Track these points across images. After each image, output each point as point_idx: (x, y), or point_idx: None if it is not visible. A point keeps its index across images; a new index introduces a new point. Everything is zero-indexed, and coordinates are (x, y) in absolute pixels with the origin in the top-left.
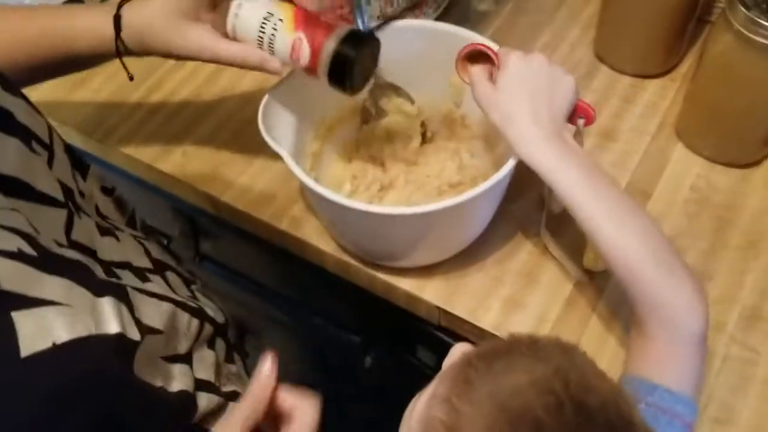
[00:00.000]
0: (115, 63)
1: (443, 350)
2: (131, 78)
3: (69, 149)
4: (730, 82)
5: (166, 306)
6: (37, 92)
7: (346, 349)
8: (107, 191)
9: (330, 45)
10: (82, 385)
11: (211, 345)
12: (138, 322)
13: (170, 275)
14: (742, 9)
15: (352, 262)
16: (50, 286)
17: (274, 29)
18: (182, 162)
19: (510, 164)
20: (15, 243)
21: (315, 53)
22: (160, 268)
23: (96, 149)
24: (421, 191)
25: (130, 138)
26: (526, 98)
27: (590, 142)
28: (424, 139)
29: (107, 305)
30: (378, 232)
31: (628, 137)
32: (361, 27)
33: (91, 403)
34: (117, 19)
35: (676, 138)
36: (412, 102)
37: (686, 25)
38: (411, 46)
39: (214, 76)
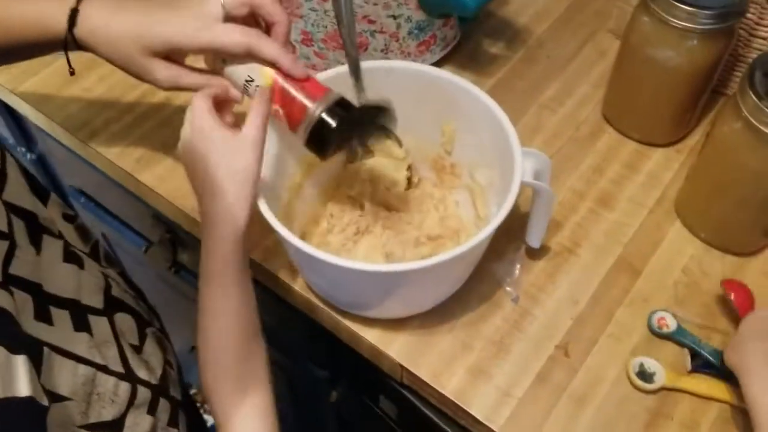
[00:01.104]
0: (106, 63)
1: (405, 405)
2: (72, 72)
3: (27, 173)
4: (734, 167)
5: (84, 370)
6: (26, 85)
7: (313, 381)
8: (69, 218)
9: (307, 121)
10: None
11: (151, 409)
12: (42, 388)
13: (120, 317)
14: (753, 96)
15: (319, 304)
16: None
17: (255, 91)
18: (163, 174)
19: (492, 226)
20: None
21: (292, 124)
22: (111, 308)
23: (79, 149)
24: (398, 239)
25: (114, 142)
26: (764, 349)
27: (585, 206)
28: (410, 184)
29: (21, 365)
30: (344, 283)
31: (625, 207)
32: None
33: None
34: (73, 13)
35: (674, 214)
36: (401, 145)
37: (699, 97)
38: (405, 88)
39: None
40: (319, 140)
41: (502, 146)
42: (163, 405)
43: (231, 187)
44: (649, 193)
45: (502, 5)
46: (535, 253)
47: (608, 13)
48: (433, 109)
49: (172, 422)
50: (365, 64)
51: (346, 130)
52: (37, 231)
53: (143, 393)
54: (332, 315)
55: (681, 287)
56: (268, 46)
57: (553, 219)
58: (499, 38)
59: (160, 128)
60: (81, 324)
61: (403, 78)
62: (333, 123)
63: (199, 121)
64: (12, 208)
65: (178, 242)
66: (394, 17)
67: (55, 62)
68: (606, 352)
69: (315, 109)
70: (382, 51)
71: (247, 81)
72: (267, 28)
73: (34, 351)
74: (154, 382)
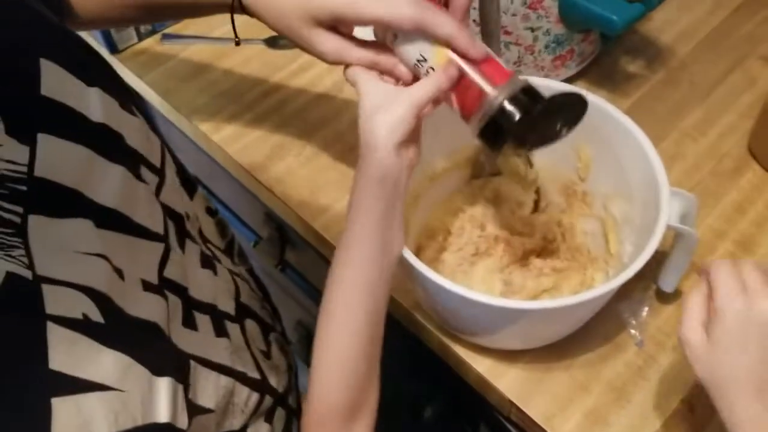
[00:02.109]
0: (233, 55)
1: None
2: (238, 43)
3: (180, 168)
4: None
5: (226, 381)
6: (153, 74)
7: (407, 391)
8: (211, 212)
9: (485, 109)
10: None
11: (269, 418)
12: (190, 404)
13: (249, 324)
14: None
15: (428, 325)
16: (106, 363)
17: (427, 74)
18: (282, 175)
19: (630, 272)
20: (81, 307)
21: (465, 112)
22: (241, 314)
23: (202, 141)
24: (519, 266)
25: (236, 137)
26: (748, 363)
27: (724, 248)
28: (536, 208)
29: (164, 389)
30: (458, 309)
31: (767, 253)
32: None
33: None
34: None
35: None
36: (531, 165)
37: None
38: None
39: (333, 89)
40: (497, 133)
41: (646, 181)
42: (279, 413)
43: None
44: None
45: (644, 22)
46: (665, 296)
47: (761, 38)
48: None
49: (286, 431)
50: None
51: (532, 123)
52: (183, 235)
53: (268, 401)
54: (441, 338)
55: None
56: (444, 23)
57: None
58: (639, 56)
59: (281, 128)
60: (220, 330)
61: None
62: (516, 114)
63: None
64: (167, 210)
65: (286, 241)
66: (532, 29)
67: (184, 51)
68: None
69: (496, 96)
70: (515, 63)
71: (418, 61)
72: (446, 2)
73: (182, 367)
74: (280, 390)
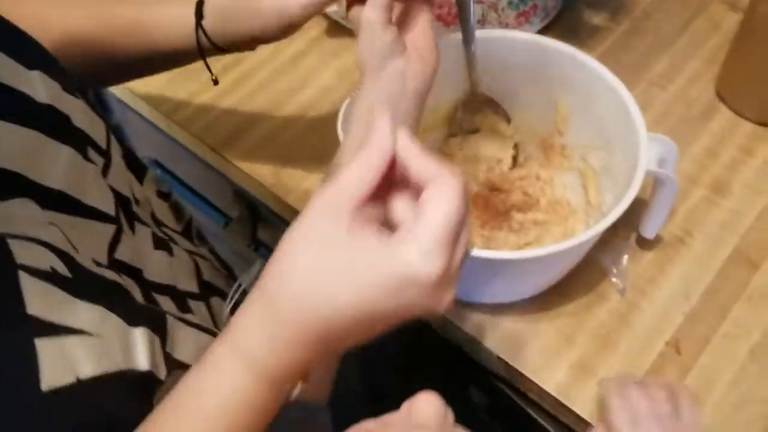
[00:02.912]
0: None
1: (499, 396)
2: (216, 82)
3: (127, 152)
4: None
5: (206, 339)
6: None
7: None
8: (164, 196)
9: None
10: (104, 428)
11: None
12: (168, 357)
13: (215, 301)
14: None
15: None
16: (81, 312)
17: None
18: (249, 152)
19: (610, 219)
20: (48, 261)
21: None
22: (206, 292)
23: (162, 123)
24: (499, 221)
25: (198, 117)
26: None
27: (698, 194)
28: (515, 164)
29: (140, 337)
30: None
31: (742, 194)
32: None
33: None
34: (199, 6)
35: None
36: (509, 121)
37: None
38: (513, 60)
39: (296, 59)
40: None
41: (623, 129)
42: None
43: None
44: None
45: None
46: (645, 243)
47: None
48: (547, 84)
49: None
50: (478, 33)
51: None
52: (131, 218)
53: None
54: None
55: None
56: None
57: None
58: (602, 9)
59: (244, 103)
60: (184, 308)
61: (515, 47)
62: None
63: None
64: (114, 193)
65: (258, 219)
66: None
67: None
68: (721, 352)
69: None
70: (478, 22)
71: None
72: None
73: (156, 319)
74: None
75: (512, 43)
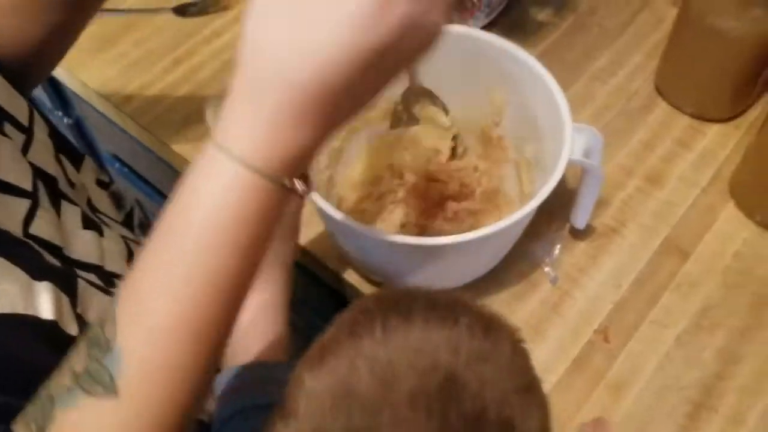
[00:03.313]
0: (142, 25)
1: None
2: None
3: (57, 135)
4: None
5: None
6: None
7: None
8: (103, 184)
9: None
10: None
11: None
12: (80, 318)
13: None
14: None
15: (346, 278)
16: None
17: None
18: (197, 142)
19: (532, 205)
20: None
21: None
22: None
23: (113, 115)
24: (432, 211)
25: (148, 108)
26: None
27: (633, 184)
28: (453, 155)
29: (44, 290)
30: (376, 253)
31: (676, 186)
32: None
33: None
34: None
35: (728, 195)
36: (447, 113)
37: (762, 70)
38: (452, 54)
39: None
40: None
41: (553, 120)
42: None
43: None
44: (702, 171)
45: None
46: (578, 233)
47: None
48: (483, 77)
49: None
50: None
51: None
52: (56, 196)
53: None
54: (360, 290)
55: (732, 273)
56: None
57: (599, 197)
58: (548, 5)
59: (195, 95)
60: (110, 284)
61: (453, 41)
62: None
63: None
64: (36, 170)
65: None
66: None
67: (91, 25)
68: (648, 339)
69: None
70: None
71: None
72: None
73: (66, 280)
74: None
75: (447, 36)
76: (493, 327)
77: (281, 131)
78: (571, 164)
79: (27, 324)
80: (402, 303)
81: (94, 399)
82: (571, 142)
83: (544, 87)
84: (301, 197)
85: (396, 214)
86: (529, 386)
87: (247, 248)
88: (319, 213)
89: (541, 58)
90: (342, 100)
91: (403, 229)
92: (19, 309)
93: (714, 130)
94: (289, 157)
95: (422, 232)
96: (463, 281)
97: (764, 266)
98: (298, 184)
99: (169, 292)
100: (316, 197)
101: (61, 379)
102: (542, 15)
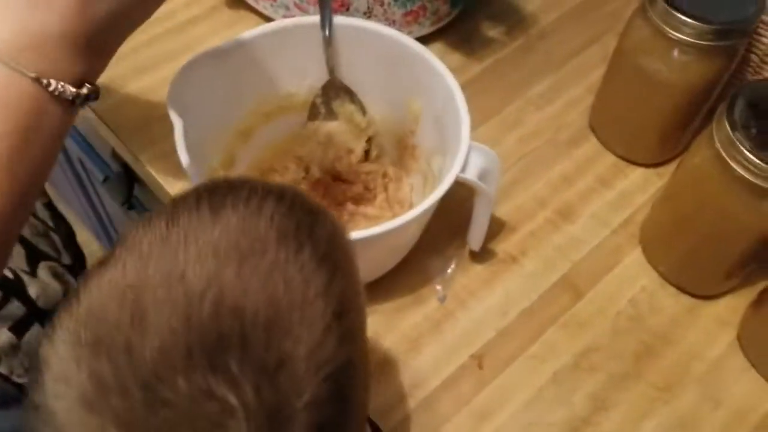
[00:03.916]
0: None
1: None
2: None
3: None
4: (700, 200)
5: None
6: None
7: None
8: None
9: None
10: None
11: (17, 328)
12: None
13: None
14: (727, 126)
15: None
16: None
17: None
18: (116, 108)
19: (407, 216)
20: None
21: None
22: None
23: None
24: (332, 211)
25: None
26: None
27: (544, 215)
28: (367, 157)
29: None
30: None
31: (586, 223)
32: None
33: None
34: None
35: (637, 241)
36: (364, 113)
37: (690, 119)
38: (378, 53)
39: (188, 24)
40: None
41: (456, 136)
42: (35, 331)
43: None
44: (616, 213)
45: None
46: (476, 256)
47: (622, 17)
48: (403, 82)
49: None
50: (338, 19)
51: None
52: None
53: (13, 307)
54: None
55: (623, 319)
56: None
57: (507, 223)
58: (501, 22)
59: (124, 59)
60: None
61: (375, 41)
62: None
63: None
64: None
65: (134, 178)
66: None
67: None
68: (523, 372)
69: None
70: (364, 14)
71: None
72: None
73: None
74: (41, 305)
75: (371, 34)
76: (315, 209)
77: (25, 17)
78: (462, 183)
79: None
80: (229, 184)
81: None
82: (464, 159)
83: (452, 100)
84: (71, 103)
85: None
86: (338, 262)
87: (6, 147)
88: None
89: (482, 74)
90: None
91: None
92: None
93: (637, 173)
94: (34, 46)
95: None
96: None
97: (657, 317)
98: (60, 86)
99: None
100: (190, 168)
101: None
102: (493, 32)
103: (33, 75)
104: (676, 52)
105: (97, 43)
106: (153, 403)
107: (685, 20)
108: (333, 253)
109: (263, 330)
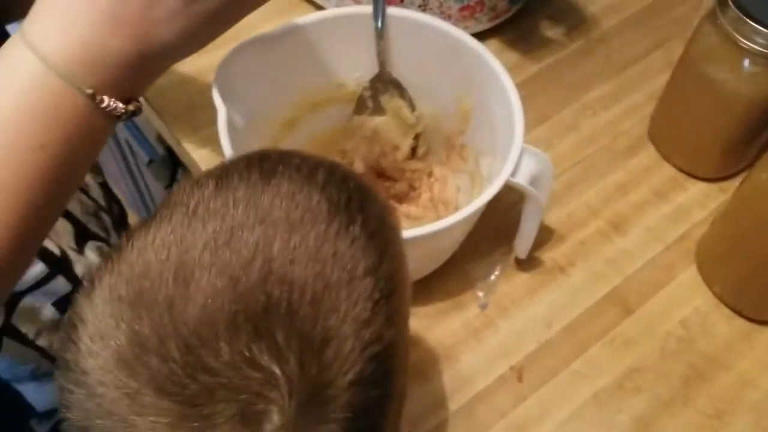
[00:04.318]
0: None
1: None
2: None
3: None
4: (764, 220)
5: None
6: None
7: None
8: None
9: None
10: None
11: (61, 304)
12: None
13: (60, 222)
14: None
15: None
16: None
17: None
18: (162, 90)
19: (451, 219)
20: None
21: None
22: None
23: None
24: None
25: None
26: None
27: (595, 225)
28: (413, 155)
29: None
30: None
31: (640, 237)
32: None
33: None
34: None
35: (692, 258)
36: (413, 109)
37: (758, 132)
38: (430, 48)
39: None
40: None
41: (509, 137)
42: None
43: None
44: (672, 227)
45: None
46: (521, 263)
47: (689, 23)
48: (455, 79)
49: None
50: (391, 11)
51: None
52: None
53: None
54: None
55: (673, 339)
56: None
57: (556, 231)
58: (561, 23)
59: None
60: None
61: (429, 35)
62: None
63: None
64: None
65: (178, 162)
66: None
67: None
68: (564, 388)
69: None
70: (419, 6)
71: None
72: None
73: None
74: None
75: (425, 27)
76: (366, 186)
77: (88, 34)
78: (512, 187)
79: None
80: (280, 153)
81: None
82: (515, 162)
83: (507, 100)
84: (117, 118)
85: None
86: (388, 241)
87: (40, 155)
88: None
89: (538, 74)
90: (161, 20)
91: None
92: None
93: (697, 187)
94: (93, 63)
95: None
96: None
97: (709, 340)
98: (111, 102)
99: None
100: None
101: None
102: (552, 32)
103: (89, 92)
104: (746, 62)
105: (152, 65)
106: (193, 368)
107: (758, 29)
108: (383, 232)
109: (310, 303)
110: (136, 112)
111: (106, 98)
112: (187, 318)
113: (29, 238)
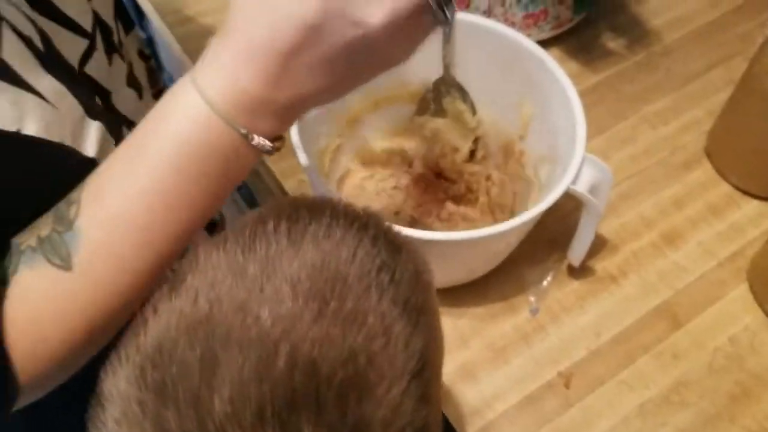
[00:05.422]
0: None
1: None
2: None
3: (119, 4)
4: None
5: None
6: None
7: None
8: (144, 57)
9: None
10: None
11: None
12: None
13: None
14: None
15: None
16: (45, 82)
17: None
18: None
19: (508, 225)
20: (27, 29)
21: None
22: None
23: (165, 34)
24: (429, 206)
25: (199, 36)
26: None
27: (649, 238)
28: (472, 157)
29: (94, 129)
30: None
31: (692, 251)
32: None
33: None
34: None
35: (744, 276)
36: (474, 113)
37: None
38: (492, 54)
39: None
40: None
41: (569, 146)
42: None
43: None
44: (725, 244)
45: (639, 2)
46: (574, 271)
47: (753, 40)
48: (517, 85)
49: None
50: (458, 15)
51: None
52: (110, 45)
53: None
54: None
55: (721, 356)
56: None
57: (609, 241)
58: (623, 35)
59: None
60: None
61: (493, 40)
62: None
63: None
64: (96, 16)
65: None
66: None
67: None
68: (610, 398)
69: None
70: (484, 12)
71: None
72: None
73: (115, 126)
74: None
75: (490, 33)
76: (399, 245)
77: (249, 89)
78: (570, 195)
79: (67, 156)
80: (310, 208)
81: (51, 267)
82: (576, 170)
83: (569, 108)
84: (266, 153)
85: (394, 199)
86: (421, 309)
87: (201, 181)
88: (310, 181)
89: (598, 85)
90: (314, 68)
91: (396, 216)
92: (67, 140)
93: (752, 205)
94: (251, 111)
95: (413, 224)
96: (442, 285)
97: (758, 359)
98: (260, 140)
99: (127, 197)
100: (308, 166)
101: (28, 237)
102: (613, 43)
103: (244, 131)
104: None
105: (300, 112)
106: None
107: None
108: (415, 298)
109: (339, 390)
110: (280, 148)
111: (256, 137)
112: (214, 411)
113: (171, 259)
